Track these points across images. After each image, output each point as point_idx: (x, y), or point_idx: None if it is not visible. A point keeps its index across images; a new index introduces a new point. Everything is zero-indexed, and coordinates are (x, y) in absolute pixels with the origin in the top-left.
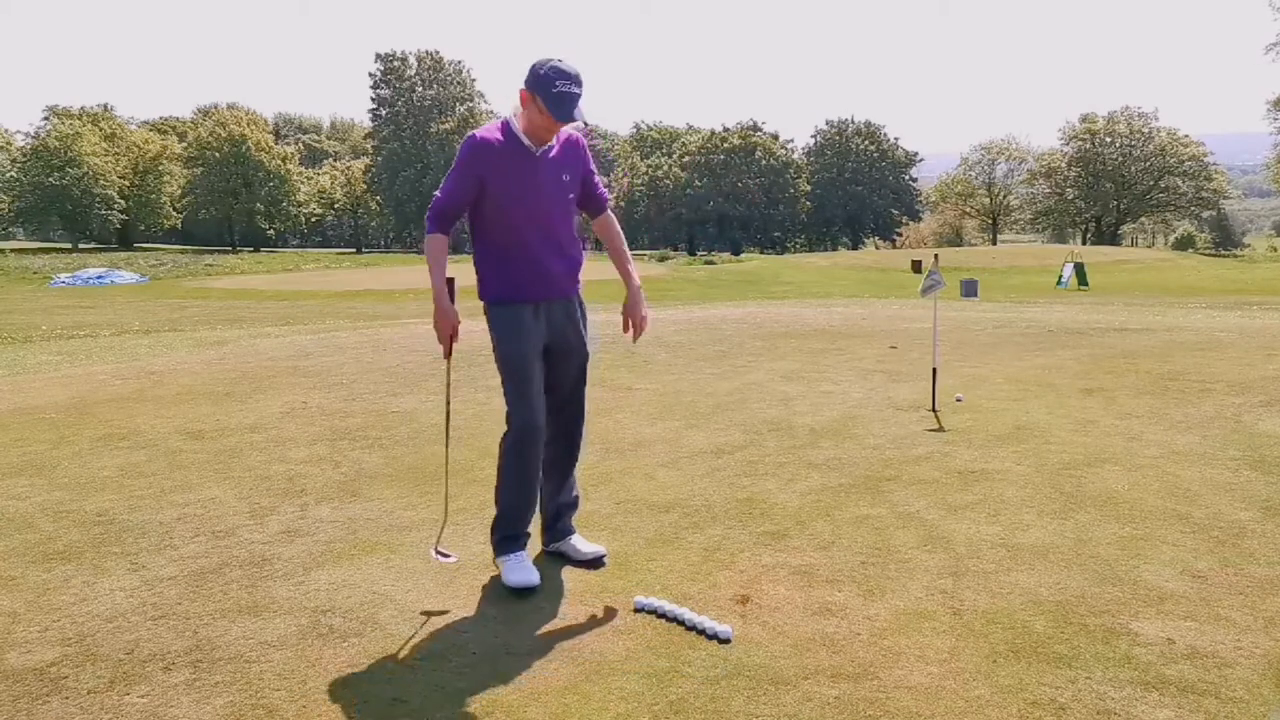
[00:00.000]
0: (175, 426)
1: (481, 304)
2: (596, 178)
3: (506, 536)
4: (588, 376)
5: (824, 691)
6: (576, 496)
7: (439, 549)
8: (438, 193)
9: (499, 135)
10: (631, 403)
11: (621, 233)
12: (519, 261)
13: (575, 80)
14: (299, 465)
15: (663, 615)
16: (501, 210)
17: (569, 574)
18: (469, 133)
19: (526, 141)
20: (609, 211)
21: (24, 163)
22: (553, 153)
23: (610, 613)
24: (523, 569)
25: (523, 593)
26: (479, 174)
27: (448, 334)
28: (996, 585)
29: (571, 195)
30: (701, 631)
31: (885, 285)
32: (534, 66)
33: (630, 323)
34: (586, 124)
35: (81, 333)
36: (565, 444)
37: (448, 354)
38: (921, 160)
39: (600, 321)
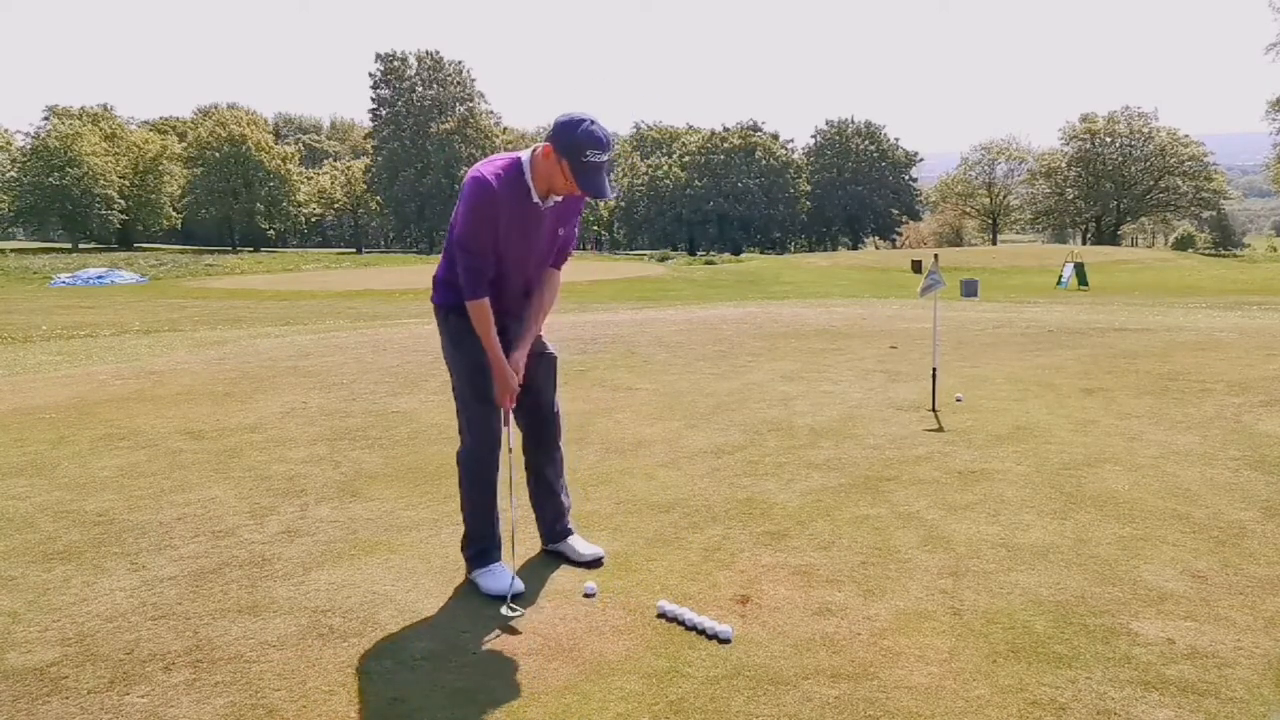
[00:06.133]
0: (175, 426)
1: (435, 308)
2: (576, 229)
3: (479, 552)
4: (558, 379)
5: (824, 691)
6: (567, 497)
7: (510, 605)
8: (462, 255)
9: (507, 178)
10: (631, 403)
11: (557, 289)
12: (491, 291)
13: (606, 146)
14: (299, 465)
15: (679, 621)
16: (494, 250)
17: (569, 574)
18: (476, 172)
19: (535, 194)
20: (559, 269)
21: (24, 163)
22: (550, 206)
23: (610, 613)
24: (499, 575)
25: (503, 598)
26: (493, 217)
27: (512, 396)
28: (996, 585)
29: (558, 245)
30: (701, 631)
31: (885, 285)
32: (565, 126)
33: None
34: (610, 197)
35: (81, 333)
36: (547, 447)
37: (508, 419)
38: (921, 160)
39: (601, 321)
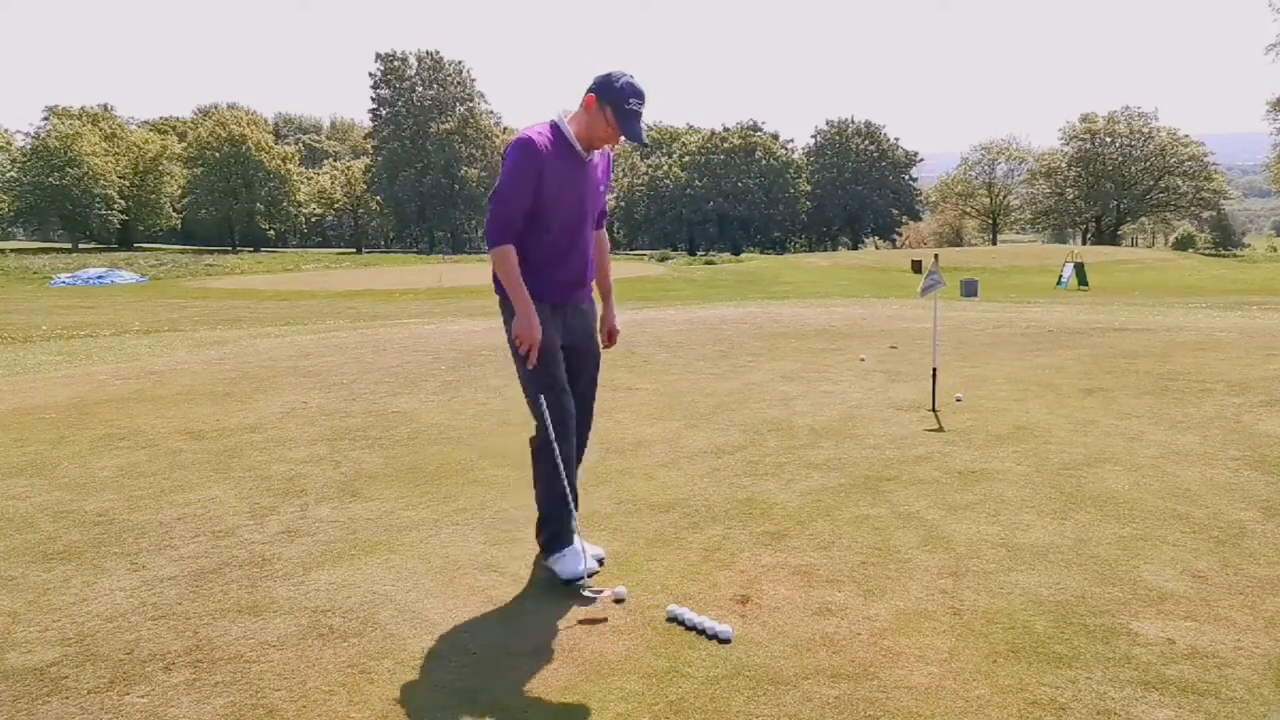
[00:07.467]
0: (175, 426)
1: (499, 300)
2: (607, 194)
3: (554, 535)
4: (598, 378)
5: (824, 691)
6: (577, 497)
7: (589, 589)
8: (493, 204)
9: (550, 137)
10: (631, 403)
11: (609, 249)
12: (548, 264)
13: (644, 99)
14: (299, 465)
15: (679, 621)
16: (543, 212)
17: None
18: (519, 134)
19: (578, 146)
20: (604, 228)
21: (24, 163)
22: (595, 160)
23: (610, 613)
24: (578, 558)
25: (579, 581)
26: (537, 171)
27: (536, 341)
28: (996, 585)
29: (601, 205)
30: (702, 631)
31: (885, 285)
32: (610, 77)
33: (606, 334)
34: (647, 144)
35: (81, 333)
36: (578, 442)
37: (534, 363)
38: (921, 160)
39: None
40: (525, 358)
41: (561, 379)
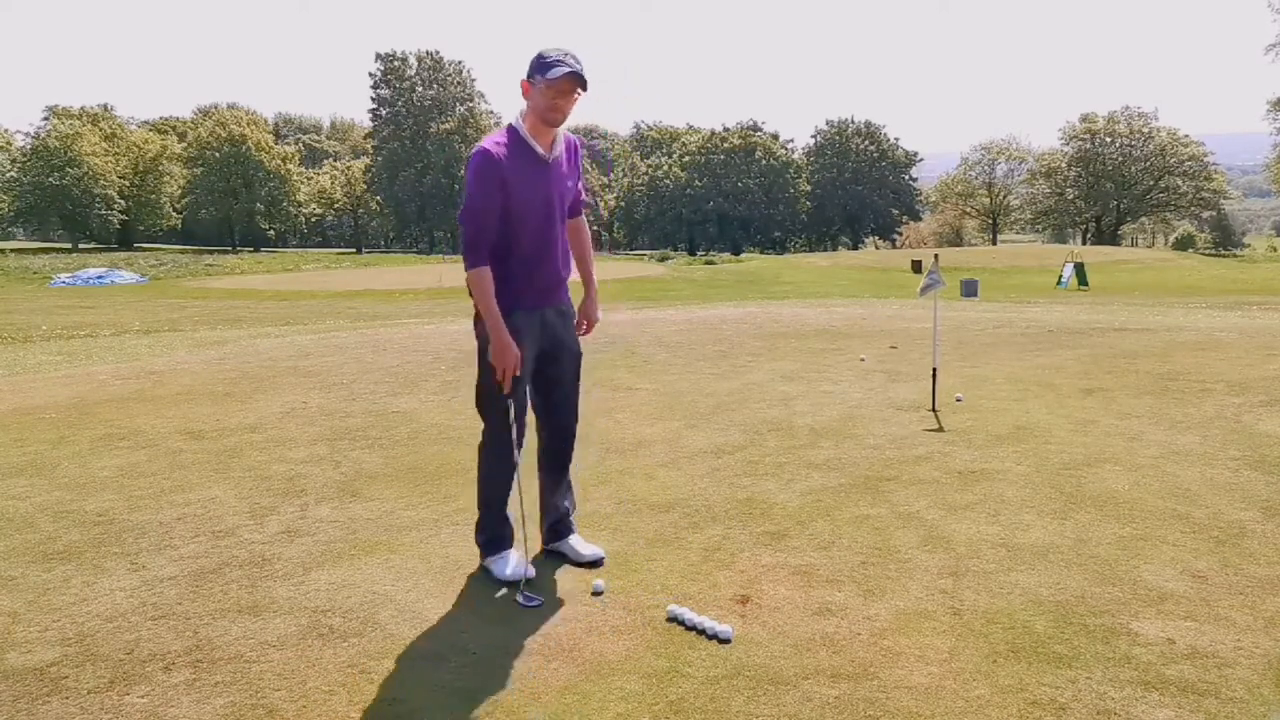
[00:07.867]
0: (175, 426)
1: (476, 311)
2: (582, 182)
3: (491, 539)
4: (581, 374)
5: (824, 691)
6: (573, 496)
7: (524, 593)
8: (464, 222)
9: (505, 142)
10: (631, 403)
11: (589, 237)
12: (523, 271)
13: (572, 56)
14: (299, 465)
15: (679, 621)
16: (511, 218)
17: (569, 574)
18: (476, 146)
19: (537, 148)
20: (581, 215)
21: (24, 163)
22: (560, 158)
23: (610, 613)
24: (512, 562)
25: (514, 584)
26: (499, 180)
27: (511, 368)
28: (996, 585)
29: (574, 196)
30: (702, 631)
31: (885, 285)
32: (531, 62)
33: (585, 322)
34: (576, 68)
35: (81, 333)
36: (561, 442)
37: (509, 389)
38: (921, 160)
39: (601, 321)
40: (485, 365)
41: (522, 391)
